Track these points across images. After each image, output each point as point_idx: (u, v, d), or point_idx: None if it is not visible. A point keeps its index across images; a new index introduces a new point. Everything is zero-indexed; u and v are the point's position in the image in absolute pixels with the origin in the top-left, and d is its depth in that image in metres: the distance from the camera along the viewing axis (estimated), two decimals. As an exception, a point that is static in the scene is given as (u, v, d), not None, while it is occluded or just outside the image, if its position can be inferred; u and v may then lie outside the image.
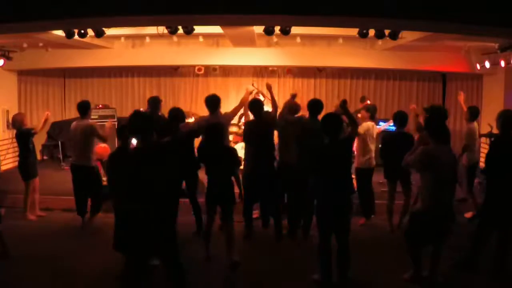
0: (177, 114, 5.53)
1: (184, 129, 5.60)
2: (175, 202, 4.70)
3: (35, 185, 6.38)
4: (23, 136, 6.21)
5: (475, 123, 6.46)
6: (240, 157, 8.50)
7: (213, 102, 5.81)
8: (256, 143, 5.59)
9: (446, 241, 4.24)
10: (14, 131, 6.50)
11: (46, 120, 6.37)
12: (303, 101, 9.49)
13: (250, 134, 5.69)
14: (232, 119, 6.23)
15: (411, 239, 4.24)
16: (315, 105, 5.58)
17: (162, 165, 3.74)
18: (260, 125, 5.64)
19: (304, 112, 5.99)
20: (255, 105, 5.70)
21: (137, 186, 3.68)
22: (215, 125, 4.88)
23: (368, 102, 7.78)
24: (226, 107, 10.74)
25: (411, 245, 4.25)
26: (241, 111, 6.25)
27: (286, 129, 5.61)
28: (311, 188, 4.46)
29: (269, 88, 5.97)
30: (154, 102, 6.16)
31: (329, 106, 9.59)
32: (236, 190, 5.09)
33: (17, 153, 9.71)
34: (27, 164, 6.24)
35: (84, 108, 5.89)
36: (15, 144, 9.69)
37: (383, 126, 7.53)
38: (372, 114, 6.31)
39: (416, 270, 4.27)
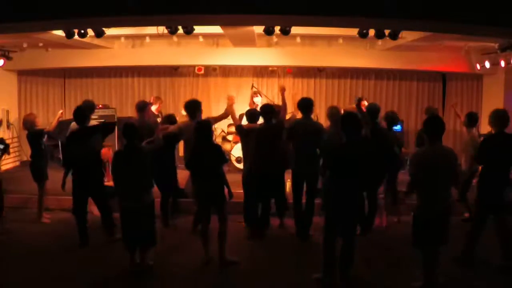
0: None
1: (162, 133, 5.73)
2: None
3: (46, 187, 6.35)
4: (35, 137, 6.16)
5: (474, 130, 6.46)
6: (240, 157, 8.62)
7: (191, 107, 5.83)
8: (265, 146, 5.56)
9: (446, 243, 4.20)
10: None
11: (59, 119, 6.36)
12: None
13: (261, 137, 5.65)
14: (212, 125, 6.24)
15: (417, 240, 4.15)
16: (307, 104, 5.61)
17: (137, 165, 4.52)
18: (270, 129, 5.65)
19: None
20: (266, 110, 5.72)
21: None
22: (203, 123, 4.95)
23: (365, 102, 7.71)
24: (225, 107, 10.81)
25: (419, 248, 4.15)
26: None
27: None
28: (324, 187, 4.45)
29: (282, 90, 5.92)
30: (140, 107, 6.22)
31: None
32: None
33: (17, 153, 9.81)
34: (40, 165, 6.18)
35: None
36: (15, 144, 9.77)
37: None
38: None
39: (427, 279, 4.13)
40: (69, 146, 5.40)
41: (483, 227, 4.71)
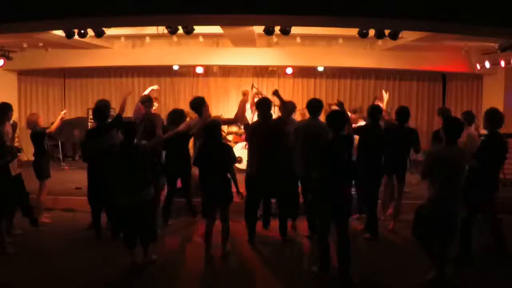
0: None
1: (172, 133, 5.75)
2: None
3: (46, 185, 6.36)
4: (39, 136, 6.22)
5: (472, 128, 6.45)
6: (240, 157, 8.62)
7: (197, 104, 5.76)
8: (262, 144, 5.42)
9: (452, 242, 4.20)
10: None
11: (62, 120, 6.38)
12: (303, 101, 9.54)
13: (255, 135, 5.50)
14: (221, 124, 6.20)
15: (418, 235, 4.17)
16: (316, 106, 5.60)
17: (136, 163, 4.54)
18: (267, 126, 5.48)
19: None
20: (262, 104, 5.52)
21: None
22: (212, 123, 4.93)
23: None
24: (226, 107, 10.82)
25: (421, 242, 4.19)
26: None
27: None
28: (313, 182, 4.47)
29: (276, 94, 5.80)
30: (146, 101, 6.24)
31: (329, 106, 9.60)
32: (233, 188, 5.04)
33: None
34: (43, 164, 6.23)
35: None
36: (16, 145, 9.76)
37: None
38: None
39: (438, 271, 4.15)
40: (88, 143, 5.54)
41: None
